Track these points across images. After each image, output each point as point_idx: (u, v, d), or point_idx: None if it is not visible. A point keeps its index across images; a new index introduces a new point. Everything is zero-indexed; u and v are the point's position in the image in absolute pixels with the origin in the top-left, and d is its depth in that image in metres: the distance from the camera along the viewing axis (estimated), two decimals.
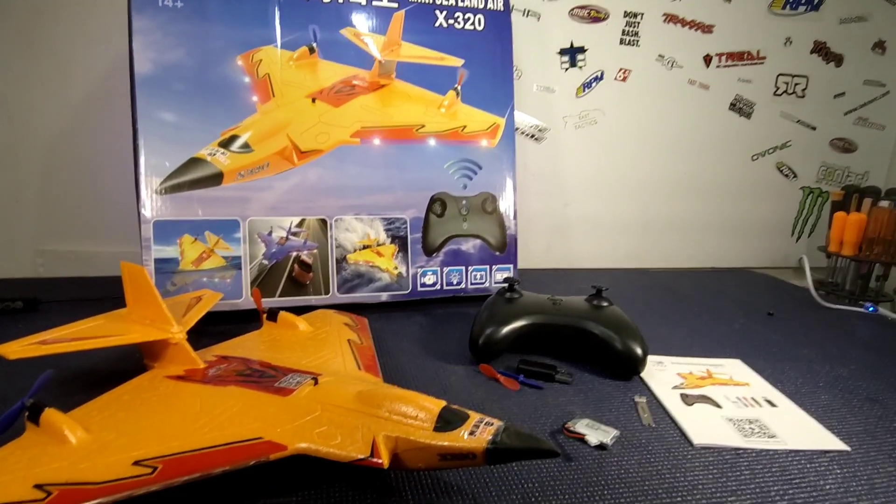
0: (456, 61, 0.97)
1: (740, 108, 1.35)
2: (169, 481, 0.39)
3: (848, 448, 0.56)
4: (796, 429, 0.60)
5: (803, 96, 1.37)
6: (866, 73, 1.38)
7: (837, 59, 1.35)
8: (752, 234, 1.45)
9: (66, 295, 0.92)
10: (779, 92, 1.35)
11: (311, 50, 0.89)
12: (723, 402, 0.65)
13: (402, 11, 0.93)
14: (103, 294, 0.88)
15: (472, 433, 0.40)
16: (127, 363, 0.64)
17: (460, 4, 0.97)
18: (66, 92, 1.03)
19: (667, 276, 1.29)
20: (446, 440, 0.40)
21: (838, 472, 0.52)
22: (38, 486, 0.38)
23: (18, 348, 0.53)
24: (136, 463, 0.41)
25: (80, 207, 1.07)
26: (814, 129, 1.40)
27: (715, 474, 0.51)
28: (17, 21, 1.00)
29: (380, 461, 0.40)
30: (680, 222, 1.39)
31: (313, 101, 0.89)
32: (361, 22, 0.92)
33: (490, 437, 0.40)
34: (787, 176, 1.42)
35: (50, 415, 0.45)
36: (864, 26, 1.34)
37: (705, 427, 0.59)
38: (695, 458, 0.53)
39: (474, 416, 0.42)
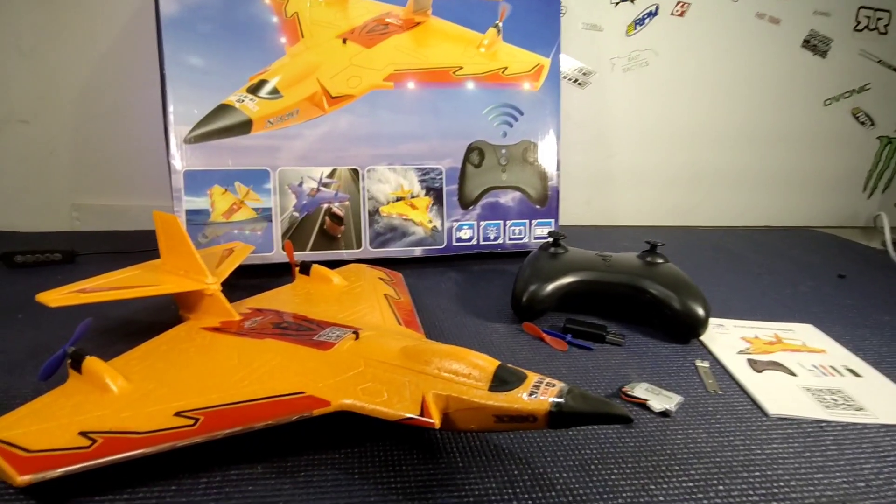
0: None
1: (815, 45, 1.26)
2: (211, 434, 0.40)
3: None
4: (886, 401, 0.57)
5: (885, 33, 1.27)
6: None
7: None
8: (817, 190, 1.38)
9: (101, 248, 0.95)
10: (860, 27, 1.26)
11: None
12: (797, 370, 0.62)
13: None
14: (138, 247, 0.90)
15: (532, 394, 0.40)
16: (164, 314, 0.66)
17: None
18: (92, 41, 1.02)
19: (717, 235, 1.25)
20: (504, 401, 0.39)
21: None
22: (83, 434, 0.39)
23: (59, 296, 0.54)
24: (178, 414, 0.41)
25: (112, 160, 1.08)
26: None
27: (796, 448, 0.49)
28: None
29: (431, 421, 0.40)
30: (734, 176, 1.34)
31: (344, 41, 0.86)
32: None
33: (553, 399, 0.39)
34: (862, 123, 1.34)
35: (91, 363, 0.46)
36: None
37: (780, 396, 0.57)
38: (771, 429, 0.51)
39: (533, 377, 0.41)
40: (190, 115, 0.79)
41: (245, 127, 0.81)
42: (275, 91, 0.83)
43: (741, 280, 0.94)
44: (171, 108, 0.79)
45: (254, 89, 0.82)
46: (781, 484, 0.44)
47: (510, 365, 0.43)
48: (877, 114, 1.34)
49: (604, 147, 1.26)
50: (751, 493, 0.43)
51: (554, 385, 0.40)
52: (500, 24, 0.93)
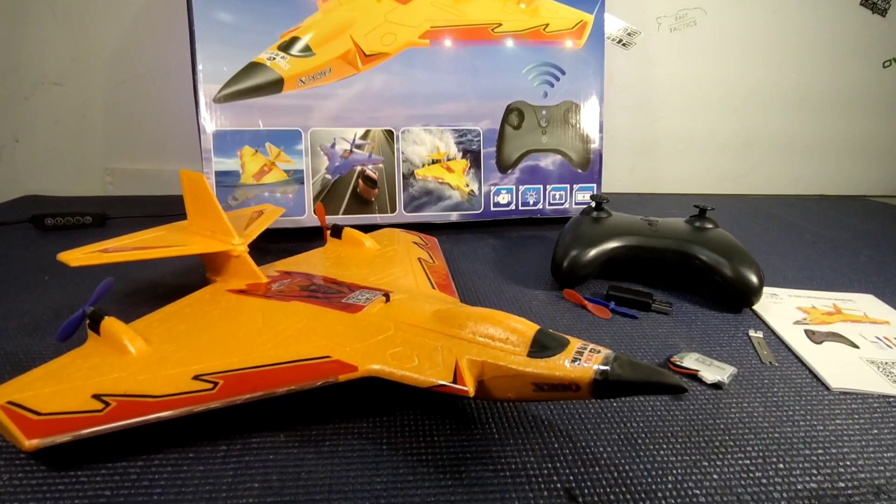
0: None
1: (874, 2, 1.14)
2: (230, 398, 0.36)
3: None
4: None
5: None
6: None
7: None
8: (874, 157, 1.27)
9: (133, 212, 0.93)
10: None
11: None
12: (860, 342, 0.55)
13: None
14: (169, 211, 0.87)
15: (574, 361, 0.34)
16: (191, 277, 0.63)
17: None
18: (124, 3, 0.99)
19: (769, 203, 1.16)
20: (544, 367, 0.34)
21: None
22: (97, 397, 0.36)
23: (81, 256, 0.51)
24: (197, 377, 0.37)
25: (145, 123, 1.06)
26: None
27: (863, 424, 0.43)
28: None
29: (465, 388, 0.35)
30: (786, 142, 1.23)
31: None
32: None
33: (598, 367, 0.33)
34: None
35: (110, 323, 0.42)
36: None
37: (842, 369, 0.50)
38: (833, 404, 0.45)
39: (576, 343, 0.36)
40: (220, 74, 0.75)
41: (276, 86, 0.77)
42: (307, 49, 0.78)
43: (795, 248, 0.86)
44: (200, 66, 0.75)
45: (285, 47, 0.77)
46: (848, 463, 0.38)
47: (551, 330, 0.37)
48: None
49: (649, 111, 1.18)
50: (814, 471, 0.37)
51: (599, 351, 0.35)
52: None
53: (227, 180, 0.76)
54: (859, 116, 1.23)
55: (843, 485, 0.36)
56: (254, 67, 0.76)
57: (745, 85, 1.18)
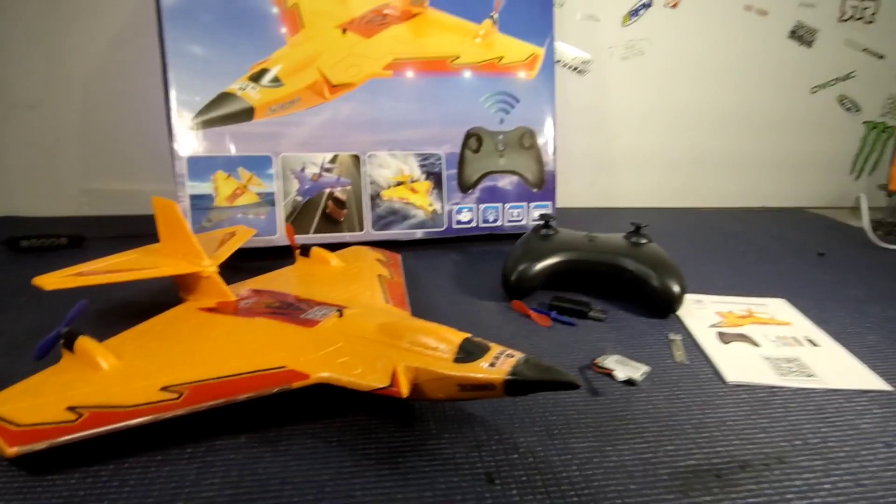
0: None
1: (801, 35, 1.21)
2: (194, 406, 0.39)
3: (891, 388, 0.53)
4: (837, 368, 0.56)
5: (872, 21, 1.21)
6: None
7: None
8: (808, 172, 1.34)
9: (109, 232, 0.93)
10: (845, 17, 1.21)
11: None
12: (761, 341, 0.61)
13: None
14: (145, 231, 0.88)
15: (492, 364, 0.38)
16: (165, 296, 0.64)
17: None
18: (98, 29, 1.00)
19: (716, 216, 1.22)
20: (466, 371, 0.38)
21: (877, 411, 0.49)
22: (71, 409, 0.39)
23: (56, 279, 0.53)
24: (164, 388, 0.41)
25: (119, 145, 1.06)
26: (882, 57, 1.25)
27: (746, 411, 0.48)
28: None
29: (399, 391, 0.39)
30: (731, 159, 1.30)
31: (344, 31, 0.84)
32: None
33: (510, 369, 0.38)
34: (848, 109, 1.29)
35: (83, 342, 0.45)
36: None
37: (740, 365, 0.56)
38: (727, 395, 0.51)
39: (496, 348, 0.40)
40: (192, 103, 0.78)
41: (247, 114, 0.80)
42: (276, 79, 0.81)
43: (728, 258, 0.92)
44: (173, 95, 0.77)
45: (255, 78, 0.80)
46: (726, 443, 0.44)
47: (476, 338, 0.41)
48: (862, 100, 1.28)
49: (605, 132, 1.23)
50: (696, 451, 0.43)
51: (512, 356, 0.39)
52: (496, 16, 0.90)
53: (200, 203, 0.79)
54: (794, 135, 1.30)
55: (717, 461, 0.42)
56: (225, 97, 0.79)
57: (692, 107, 1.24)
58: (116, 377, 0.42)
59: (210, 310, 0.55)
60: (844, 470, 0.42)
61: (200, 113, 0.78)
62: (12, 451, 0.35)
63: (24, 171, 1.05)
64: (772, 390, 0.52)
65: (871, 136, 1.32)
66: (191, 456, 0.40)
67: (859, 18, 1.21)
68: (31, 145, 1.04)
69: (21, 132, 1.03)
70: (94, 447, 0.39)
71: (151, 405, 0.39)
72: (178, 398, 0.40)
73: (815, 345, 0.61)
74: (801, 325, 0.66)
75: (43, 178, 1.06)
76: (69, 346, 0.45)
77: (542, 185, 0.95)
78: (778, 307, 0.71)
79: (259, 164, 0.81)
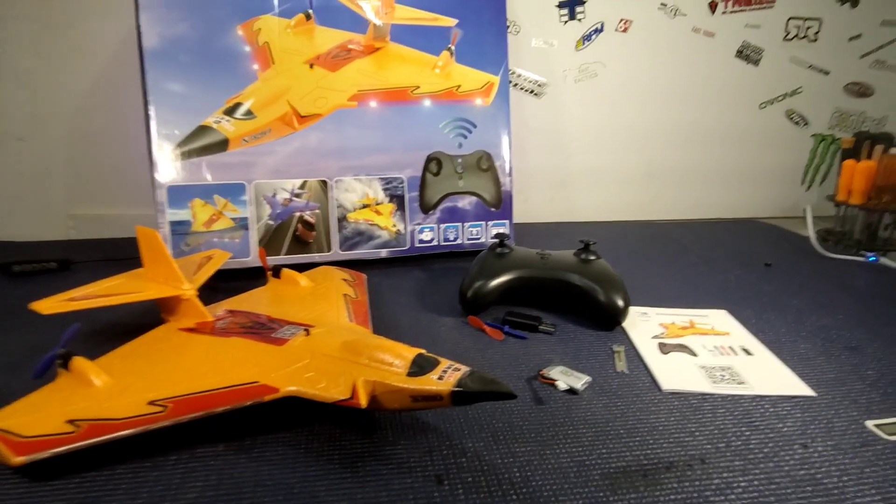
0: (449, 21, 0.98)
1: (747, 55, 1.32)
2: (177, 418, 0.46)
3: (814, 394, 0.59)
4: (766, 376, 0.63)
5: (815, 40, 1.33)
6: (884, 13, 1.32)
7: (853, 0, 1.30)
8: (760, 184, 1.44)
9: (94, 255, 0.99)
10: (789, 36, 1.32)
11: (308, 17, 0.91)
12: (699, 351, 0.68)
13: None
14: (128, 254, 0.94)
15: (440, 377, 0.45)
16: (148, 317, 0.70)
17: None
18: (83, 65, 1.07)
19: (670, 228, 1.30)
20: (417, 384, 0.45)
21: (799, 415, 0.56)
22: (70, 421, 0.45)
23: (51, 304, 0.60)
24: (151, 403, 0.47)
25: (103, 173, 1.13)
26: (827, 73, 1.36)
27: (677, 417, 0.55)
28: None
29: (358, 402, 0.46)
30: (685, 172, 1.39)
31: (311, 66, 0.91)
32: None
33: (456, 381, 0.45)
34: (797, 123, 1.40)
35: (78, 362, 0.51)
36: None
37: (676, 374, 0.62)
38: (661, 402, 0.57)
39: (444, 363, 0.47)
40: (172, 136, 0.85)
41: (222, 145, 0.87)
42: (249, 112, 0.88)
43: (679, 270, 0.99)
44: (154, 129, 0.84)
45: (230, 111, 0.87)
46: (655, 447, 0.50)
47: (429, 354, 0.48)
48: (810, 114, 1.39)
49: (562, 150, 1.32)
50: (626, 454, 0.49)
51: (458, 369, 0.46)
52: (453, 48, 0.98)
53: (180, 229, 0.85)
54: (744, 149, 1.40)
55: (645, 462, 0.48)
56: (202, 130, 0.86)
57: (643, 125, 1.33)
58: (109, 393, 0.49)
59: (190, 330, 0.62)
60: (761, 469, 0.47)
61: (180, 145, 0.85)
62: (18, 460, 0.42)
63: (13, 199, 1.11)
64: (703, 397, 0.58)
65: (820, 148, 1.43)
66: (175, 462, 0.46)
67: (803, 37, 1.32)
68: (20, 174, 1.10)
69: (10, 162, 1.09)
70: (89, 456, 0.45)
71: (140, 417, 0.45)
72: (163, 411, 0.46)
73: (749, 354, 0.67)
74: (739, 334, 0.73)
75: (31, 204, 1.12)
76: (65, 365, 0.51)
77: (500, 205, 1.03)
78: (719, 318, 0.78)
79: (234, 191, 0.88)
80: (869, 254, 1.08)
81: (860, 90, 1.39)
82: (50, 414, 0.46)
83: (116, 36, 1.06)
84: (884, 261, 1.05)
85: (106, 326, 0.71)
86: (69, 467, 0.45)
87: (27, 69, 1.06)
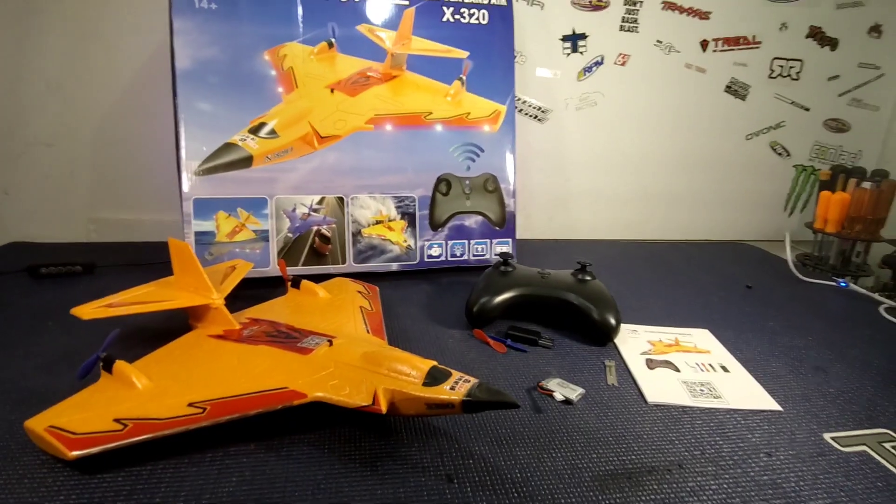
0: (461, 53, 1.02)
1: (735, 90, 1.37)
2: (215, 419, 0.49)
3: (781, 408, 0.64)
4: (740, 391, 0.67)
5: (797, 79, 1.38)
6: (861, 56, 1.38)
7: (832, 44, 1.36)
8: (747, 209, 1.48)
9: (117, 258, 1.02)
10: (773, 75, 1.37)
11: (330, 45, 0.95)
12: (682, 367, 0.72)
13: (413, 8, 0.98)
14: (149, 259, 0.98)
15: (452, 388, 0.49)
16: (174, 322, 0.73)
17: (466, 1, 1.01)
18: (113, 77, 1.10)
19: (662, 248, 1.35)
20: (432, 393, 0.49)
21: (766, 427, 0.60)
22: (117, 420, 0.48)
23: (90, 310, 0.63)
24: (191, 404, 0.50)
25: (126, 180, 1.16)
26: (807, 110, 1.41)
27: (660, 427, 0.59)
28: (69, 11, 1.07)
29: (379, 408, 0.49)
30: (677, 196, 1.43)
31: (332, 91, 0.95)
32: (375, 18, 0.97)
33: (466, 391, 0.48)
34: (780, 154, 1.45)
35: (121, 366, 0.54)
36: (860, 11, 1.34)
37: (661, 388, 0.66)
38: (646, 413, 0.61)
39: (456, 375, 0.51)
40: (199, 151, 0.88)
41: (247, 162, 0.90)
42: (272, 132, 0.92)
43: (668, 290, 1.03)
44: (183, 145, 0.87)
45: (254, 130, 0.91)
46: (640, 453, 0.54)
47: (441, 366, 0.52)
48: (791, 146, 1.44)
49: (562, 172, 1.36)
50: (614, 459, 0.53)
51: (469, 381, 0.50)
52: (464, 78, 1.03)
53: (203, 239, 0.89)
54: (731, 176, 1.44)
55: (630, 466, 0.52)
56: (228, 147, 0.90)
57: (638, 151, 1.37)
58: (150, 395, 0.52)
59: (218, 336, 0.65)
60: (730, 475, 0.52)
61: (206, 161, 0.88)
62: (74, 454, 0.45)
63: (39, 201, 1.14)
64: (684, 409, 0.62)
65: (800, 177, 1.48)
66: (211, 459, 0.49)
67: (787, 76, 1.38)
68: (46, 177, 1.13)
69: (37, 166, 1.12)
70: (134, 452, 0.48)
71: (182, 418, 0.49)
72: (203, 412, 0.49)
73: (726, 371, 0.72)
74: (719, 353, 0.77)
75: (55, 207, 1.15)
76: (108, 368, 0.54)
77: (504, 224, 1.07)
78: (701, 337, 0.82)
79: (256, 205, 0.91)
80: (840, 280, 1.13)
81: (838, 126, 1.44)
82: (99, 413, 0.49)
83: (146, 51, 1.09)
84: (853, 287, 1.09)
85: (134, 329, 0.73)
86: (115, 462, 0.48)
87: (59, 79, 1.09)
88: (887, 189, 1.17)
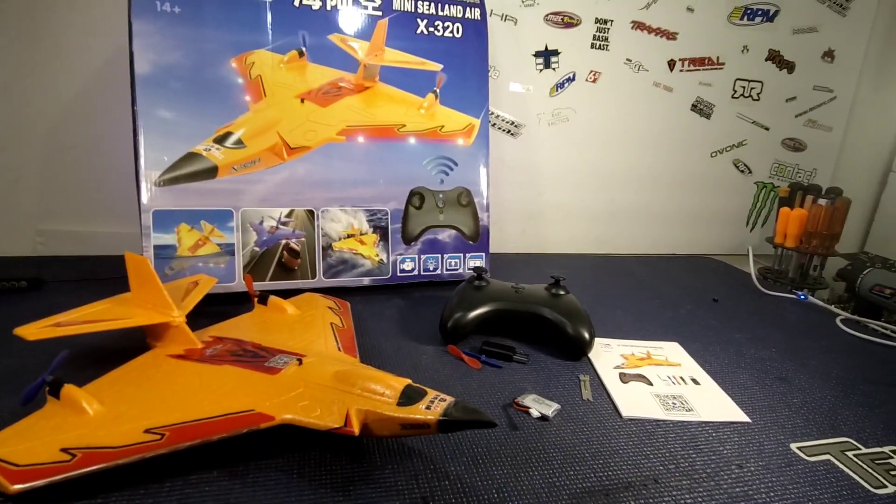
0: (435, 66, 1.01)
1: (701, 108, 1.40)
2: (175, 446, 0.46)
3: (749, 420, 0.65)
4: (710, 403, 0.68)
5: (758, 99, 1.43)
6: (816, 80, 1.44)
7: (790, 67, 1.41)
8: (711, 224, 1.52)
9: (66, 274, 0.96)
10: (736, 95, 1.41)
11: (301, 53, 0.93)
12: (655, 381, 0.72)
13: (387, 19, 0.97)
14: (103, 274, 0.92)
15: (428, 407, 0.47)
16: (129, 341, 0.68)
17: (440, 13, 1.01)
18: (67, 80, 1.04)
19: (630, 262, 1.36)
20: (407, 413, 0.47)
21: (736, 439, 0.61)
22: (65, 450, 0.44)
23: (36, 330, 0.58)
24: (147, 430, 0.47)
25: (78, 190, 1.09)
26: (767, 129, 1.46)
27: (635, 441, 0.58)
28: (20, 10, 1.01)
29: (352, 430, 0.47)
30: (644, 211, 1.46)
31: (302, 101, 0.93)
32: (348, 28, 0.96)
33: (442, 411, 0.46)
34: (742, 171, 1.49)
35: (69, 390, 0.50)
36: (815, 37, 1.40)
37: (635, 402, 0.66)
38: (621, 428, 0.61)
39: (431, 393, 0.49)
40: (160, 161, 0.84)
41: (211, 172, 0.87)
42: (239, 142, 0.89)
43: (637, 304, 1.04)
44: (142, 154, 0.83)
45: (220, 140, 0.88)
46: (616, 469, 0.54)
47: (416, 384, 0.50)
48: (753, 164, 1.49)
49: (534, 186, 1.36)
50: (591, 475, 0.52)
51: (444, 400, 0.48)
52: (438, 91, 1.02)
53: (164, 253, 0.84)
54: (697, 192, 1.48)
55: (607, 482, 0.51)
56: (191, 157, 0.86)
57: (608, 166, 1.39)
58: (102, 421, 0.48)
59: (179, 356, 0.61)
60: (704, 488, 0.52)
61: (168, 171, 0.84)
62: (16, 488, 0.41)
63: None
64: (657, 423, 0.62)
65: (762, 194, 1.53)
66: (170, 489, 0.46)
67: (748, 96, 1.42)
68: None
69: None
70: (84, 482, 0.44)
71: (138, 446, 0.45)
72: (160, 439, 0.46)
73: (697, 383, 0.72)
74: (689, 365, 0.78)
75: None
76: (55, 392, 0.50)
77: (477, 238, 1.06)
78: (672, 350, 0.83)
79: (221, 218, 0.87)
80: (799, 292, 1.16)
81: (795, 145, 1.50)
82: (44, 442, 0.45)
83: (103, 54, 1.04)
84: (811, 299, 1.12)
85: (86, 350, 0.69)
86: (63, 495, 0.44)
87: (5, 80, 1.03)
88: (841, 206, 1.21)
